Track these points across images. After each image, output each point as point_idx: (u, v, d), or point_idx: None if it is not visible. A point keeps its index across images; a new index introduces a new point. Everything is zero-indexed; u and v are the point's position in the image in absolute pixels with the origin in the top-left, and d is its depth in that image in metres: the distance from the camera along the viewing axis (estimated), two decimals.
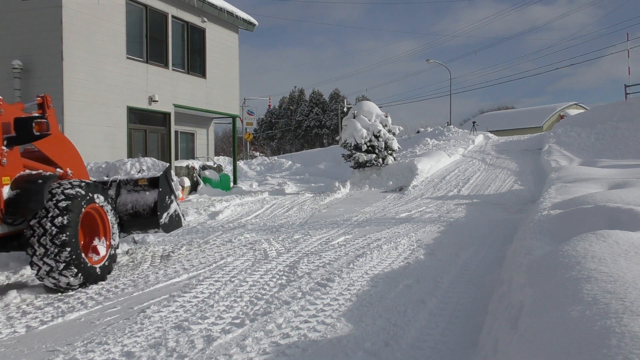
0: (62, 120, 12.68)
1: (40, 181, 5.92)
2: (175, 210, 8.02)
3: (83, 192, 6.20)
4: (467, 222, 10.21)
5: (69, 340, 4.37)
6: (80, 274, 5.91)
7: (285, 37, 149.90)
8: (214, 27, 19.41)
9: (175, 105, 17.43)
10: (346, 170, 20.96)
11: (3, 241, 6.12)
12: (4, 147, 5.78)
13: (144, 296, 5.65)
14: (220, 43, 19.76)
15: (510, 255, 5.62)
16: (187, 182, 16.52)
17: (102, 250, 6.55)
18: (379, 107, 19.90)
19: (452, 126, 31.97)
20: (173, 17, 17.36)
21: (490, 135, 29.92)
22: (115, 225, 6.84)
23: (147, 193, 7.61)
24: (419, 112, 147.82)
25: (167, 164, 8.00)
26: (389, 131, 19.01)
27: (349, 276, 6.07)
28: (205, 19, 18.83)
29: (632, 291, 2.55)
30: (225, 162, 30.15)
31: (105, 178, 7.75)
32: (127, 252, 8.18)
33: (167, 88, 16.98)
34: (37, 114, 6.43)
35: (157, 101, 16.38)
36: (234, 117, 21.30)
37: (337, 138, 20.80)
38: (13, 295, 5.68)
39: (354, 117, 18.96)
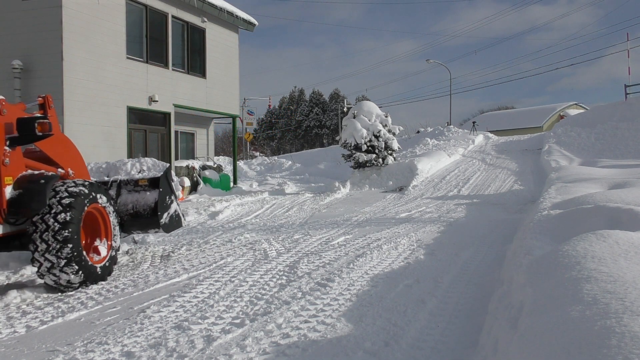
0: (62, 120, 12.67)
1: (42, 181, 5.94)
2: (176, 211, 8.04)
3: (86, 191, 6.24)
4: (467, 222, 10.21)
5: (69, 340, 4.37)
6: (80, 272, 5.92)
7: (285, 37, 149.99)
8: (214, 27, 19.41)
9: (175, 105, 17.43)
10: (346, 170, 20.96)
11: (5, 241, 6.13)
12: (6, 147, 5.80)
13: (144, 296, 5.65)
14: (220, 43, 19.76)
15: (510, 255, 5.62)
16: (187, 182, 16.53)
17: (103, 250, 6.56)
18: (379, 107, 19.90)
19: (452, 126, 31.97)
20: (173, 17, 17.36)
21: (490, 135, 29.92)
22: (117, 227, 6.88)
23: (148, 193, 7.64)
24: (419, 112, 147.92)
25: (168, 164, 8.03)
26: (389, 131, 19.01)
27: (349, 276, 6.07)
28: (205, 19, 18.83)
29: (632, 291, 2.55)
30: (225, 162, 30.16)
31: (106, 178, 7.79)
32: (127, 252, 8.18)
33: (167, 88, 16.98)
34: (39, 115, 6.46)
35: (157, 101, 16.38)
36: (234, 117, 21.30)
37: (337, 138, 20.80)
38: (13, 295, 5.68)
39: (354, 117, 18.96)
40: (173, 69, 17.41)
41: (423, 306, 4.94)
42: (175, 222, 8.02)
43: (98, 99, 14.34)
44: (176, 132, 18.48)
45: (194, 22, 18.39)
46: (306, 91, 77.27)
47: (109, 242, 6.70)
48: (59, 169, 6.77)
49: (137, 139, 16.26)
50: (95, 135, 14.12)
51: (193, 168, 17.63)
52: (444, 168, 19.73)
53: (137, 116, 16.15)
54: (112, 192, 7.67)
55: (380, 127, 18.61)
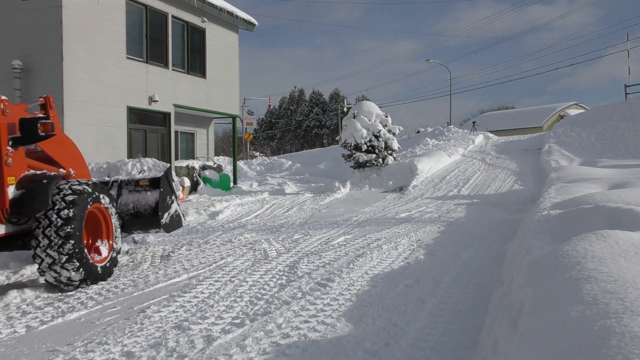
0: (62, 120, 12.67)
1: (45, 181, 5.98)
2: (176, 211, 8.08)
3: (90, 190, 6.32)
4: (467, 222, 10.21)
5: (69, 340, 4.37)
6: (81, 269, 5.94)
7: (285, 37, 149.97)
8: (214, 27, 19.41)
9: (175, 105, 17.43)
10: (346, 170, 20.96)
11: (7, 240, 6.17)
12: (9, 148, 5.83)
13: (144, 296, 5.65)
14: (220, 43, 19.76)
15: (510, 255, 5.62)
16: (187, 182, 16.53)
17: (105, 251, 6.59)
18: (379, 107, 19.90)
19: (452, 126, 31.97)
20: (173, 17, 17.36)
21: (490, 135, 29.93)
22: (119, 230, 6.93)
23: (149, 193, 7.69)
24: (419, 112, 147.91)
25: (168, 165, 8.08)
26: (389, 131, 19.01)
27: (349, 276, 6.07)
28: (205, 19, 18.83)
29: (632, 291, 2.55)
30: (225, 162, 30.16)
31: (107, 178, 7.83)
32: (127, 252, 8.19)
33: (167, 88, 16.98)
34: (42, 115, 6.49)
35: (157, 101, 16.38)
36: (234, 117, 21.30)
37: (337, 138, 20.80)
38: (13, 295, 5.68)
39: (354, 117, 18.96)
40: (173, 69, 17.41)
41: (423, 306, 4.94)
42: (176, 222, 8.06)
43: (98, 99, 14.34)
44: (176, 132, 18.48)
45: (194, 22, 18.39)
46: (306, 91, 77.38)
47: (110, 243, 6.72)
48: (61, 169, 6.79)
49: (137, 139, 16.26)
50: (95, 135, 14.12)
51: (193, 168, 17.63)
52: (444, 168, 19.73)
53: (137, 116, 16.15)
54: (113, 192, 7.70)
55: (380, 127, 18.61)
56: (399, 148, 19.59)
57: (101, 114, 14.45)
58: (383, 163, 18.59)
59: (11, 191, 5.81)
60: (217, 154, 35.40)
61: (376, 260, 6.95)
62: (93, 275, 6.15)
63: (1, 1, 13.90)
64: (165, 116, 17.21)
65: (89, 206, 6.25)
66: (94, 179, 7.54)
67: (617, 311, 2.33)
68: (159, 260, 7.53)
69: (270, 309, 4.95)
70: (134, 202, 7.66)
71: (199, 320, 4.70)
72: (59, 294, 5.92)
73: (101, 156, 13.09)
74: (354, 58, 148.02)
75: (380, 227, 9.86)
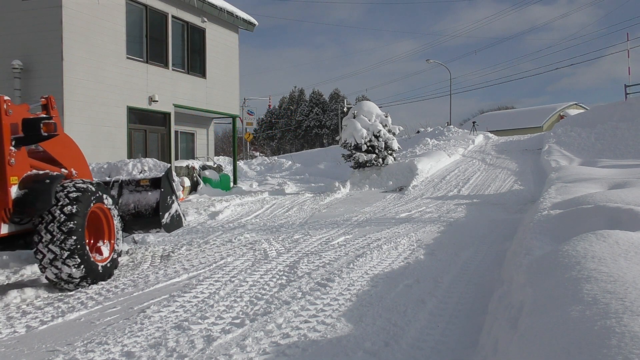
0: (62, 120, 12.67)
1: (47, 181, 6.03)
2: (177, 210, 8.11)
3: (94, 189, 6.41)
4: (467, 222, 10.21)
5: (69, 340, 4.37)
6: (82, 266, 5.96)
7: (285, 37, 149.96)
8: (214, 27, 19.41)
9: (175, 105, 17.43)
10: (346, 170, 20.96)
11: (10, 240, 6.20)
12: (12, 148, 5.87)
13: (144, 296, 5.65)
14: (220, 43, 19.76)
15: (510, 255, 5.62)
16: (187, 182, 16.53)
17: (106, 252, 6.62)
18: (379, 107, 19.90)
19: (452, 126, 31.97)
20: (173, 17, 17.36)
21: (490, 135, 29.93)
22: (120, 232, 6.97)
23: (149, 193, 7.74)
24: (419, 112, 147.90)
25: (169, 165, 8.13)
26: (389, 131, 19.01)
27: (349, 276, 6.07)
28: (205, 19, 18.83)
29: (632, 291, 2.55)
30: (225, 162, 30.16)
31: (108, 178, 7.87)
32: (127, 252, 8.19)
33: (167, 88, 16.98)
34: (44, 115, 6.53)
35: (157, 101, 16.38)
36: (234, 117, 21.30)
37: (337, 138, 20.80)
38: (13, 295, 5.68)
39: (354, 117, 18.96)
40: (173, 69, 17.41)
41: (423, 306, 4.94)
42: (176, 222, 8.10)
43: (98, 99, 14.34)
44: (176, 132, 18.48)
45: (194, 22, 18.39)
46: (306, 91, 77.38)
47: (112, 244, 6.75)
48: (63, 169, 6.82)
49: (137, 139, 16.26)
50: (95, 135, 14.12)
51: (193, 168, 17.63)
52: (444, 168, 19.73)
53: (137, 116, 16.15)
54: (114, 192, 7.74)
55: (380, 127, 18.61)
56: (399, 148, 19.58)
57: (101, 114, 14.45)
58: (383, 163, 18.59)
59: (14, 191, 5.85)
60: (217, 154, 35.40)
61: (376, 260, 6.95)
62: (93, 274, 6.15)
63: (1, 1, 13.90)
64: (165, 116, 17.21)
65: (92, 204, 6.31)
66: (95, 179, 7.56)
67: (617, 311, 2.33)
68: (159, 260, 7.53)
69: (270, 309, 4.96)
70: (135, 202, 7.70)
71: (199, 320, 4.70)
72: (59, 294, 5.92)
73: (101, 156, 13.09)
74: (354, 58, 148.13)
75: (380, 227, 9.86)
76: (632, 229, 4.36)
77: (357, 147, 18.52)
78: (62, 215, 5.90)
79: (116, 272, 6.84)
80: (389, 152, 18.82)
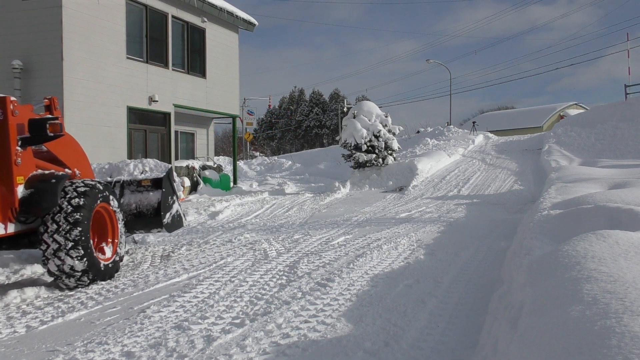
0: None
1: (53, 180, 6.09)
2: (177, 211, 8.17)
3: (101, 188, 6.54)
4: (467, 222, 10.21)
5: (69, 340, 4.37)
6: (85, 259, 5.98)
7: (285, 37, 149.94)
8: (214, 27, 19.41)
9: (175, 105, 17.43)
10: (346, 170, 20.96)
11: (15, 239, 6.26)
12: (18, 148, 5.92)
13: (144, 296, 5.65)
14: (220, 43, 19.76)
15: (510, 255, 5.62)
16: (187, 182, 16.54)
17: (109, 252, 6.68)
18: (379, 107, 19.90)
19: (452, 126, 31.97)
20: (173, 17, 17.36)
21: (490, 135, 29.92)
22: (124, 237, 7.03)
23: (151, 193, 7.81)
24: (419, 112, 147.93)
25: (170, 165, 8.20)
26: (389, 131, 19.01)
27: (349, 276, 6.07)
28: (205, 19, 18.83)
29: (632, 291, 2.55)
30: (225, 162, 30.16)
31: (109, 179, 7.90)
32: (127, 252, 8.19)
33: (167, 88, 16.98)
34: (50, 116, 6.59)
35: (157, 101, 16.38)
36: (234, 117, 21.30)
37: (337, 138, 20.80)
38: (13, 295, 5.68)
39: (354, 117, 18.96)
40: (173, 69, 17.41)
41: (423, 306, 4.94)
42: (177, 222, 8.16)
43: (98, 99, 14.34)
44: (176, 132, 18.48)
45: (194, 22, 18.39)
46: (306, 91, 77.37)
47: (115, 244, 6.79)
48: (66, 169, 6.86)
49: (137, 139, 16.26)
50: (95, 135, 14.12)
51: (193, 168, 17.63)
52: (444, 168, 19.73)
53: (137, 116, 16.15)
54: (116, 192, 7.76)
55: (380, 127, 18.61)
56: (399, 148, 19.59)
57: (101, 114, 14.45)
58: (383, 163, 18.59)
59: (20, 190, 5.91)
60: (217, 154, 35.40)
61: (376, 260, 6.95)
62: (95, 269, 6.16)
63: (1, 1, 13.90)
64: (165, 116, 17.21)
65: (98, 201, 6.41)
66: (97, 180, 7.59)
67: (617, 311, 2.33)
68: (159, 260, 7.53)
69: (270, 309, 4.96)
70: (137, 202, 7.78)
71: (199, 320, 4.70)
72: (59, 293, 5.92)
73: (101, 156, 13.09)
74: (354, 58, 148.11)
75: (380, 227, 9.86)
76: (632, 229, 4.36)
77: (357, 147, 18.52)
78: (69, 206, 6.01)
79: (116, 274, 6.84)
80: (389, 152, 18.82)
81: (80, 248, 5.95)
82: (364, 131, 18.42)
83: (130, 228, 7.74)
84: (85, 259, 5.99)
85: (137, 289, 5.98)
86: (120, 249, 6.86)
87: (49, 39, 13.38)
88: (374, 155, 18.50)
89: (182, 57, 18.02)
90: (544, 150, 20.24)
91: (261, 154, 47.62)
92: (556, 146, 20.27)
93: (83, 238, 5.99)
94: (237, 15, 20.21)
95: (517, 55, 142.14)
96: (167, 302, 5.31)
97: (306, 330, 4.37)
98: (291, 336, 4.24)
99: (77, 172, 7.08)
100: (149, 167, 8.04)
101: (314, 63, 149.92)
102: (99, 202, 6.42)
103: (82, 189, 6.19)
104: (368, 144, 18.46)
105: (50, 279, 6.37)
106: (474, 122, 35.82)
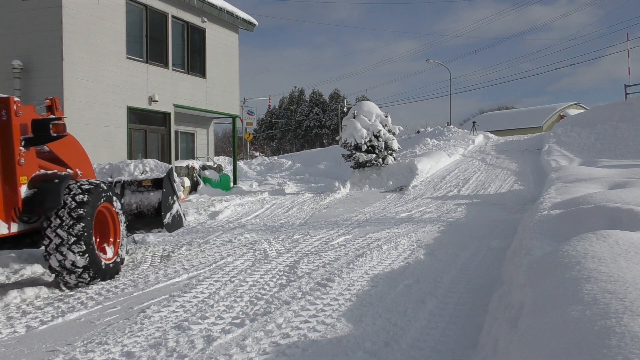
0: None
1: (56, 180, 6.13)
2: (178, 211, 8.20)
3: (105, 187, 6.61)
4: (467, 222, 10.21)
5: (69, 340, 4.37)
6: (86, 255, 6.01)
7: (285, 37, 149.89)
8: (214, 27, 19.41)
9: (175, 105, 17.43)
10: (346, 170, 20.96)
11: (18, 239, 6.30)
12: (21, 148, 5.94)
13: (144, 296, 5.65)
14: (220, 43, 19.76)
15: (510, 255, 5.62)
16: (187, 182, 16.54)
17: (110, 253, 6.71)
18: (379, 107, 19.90)
19: (452, 126, 31.96)
20: (173, 17, 17.36)
21: (490, 135, 29.92)
22: (125, 239, 7.05)
23: (151, 194, 7.85)
24: (419, 112, 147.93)
25: (170, 166, 8.25)
26: (389, 131, 19.01)
27: (349, 276, 6.07)
28: (205, 19, 18.83)
29: (632, 291, 2.55)
30: (225, 162, 30.16)
31: (110, 179, 7.93)
32: (127, 252, 8.19)
33: (167, 88, 16.98)
34: (53, 116, 6.62)
35: (157, 101, 16.38)
36: (234, 117, 21.30)
37: (337, 138, 20.80)
38: (13, 295, 5.68)
39: (354, 117, 18.96)
40: (173, 69, 17.41)
41: (423, 306, 4.94)
42: (177, 222, 8.19)
43: (98, 99, 14.34)
44: (176, 132, 18.48)
45: (194, 22, 18.39)
46: (306, 91, 77.36)
47: (116, 247, 6.82)
48: (68, 169, 6.88)
49: (137, 139, 16.26)
50: (95, 135, 14.11)
51: (193, 168, 17.63)
52: (444, 168, 19.73)
53: (137, 116, 16.15)
54: (118, 192, 7.80)
55: (380, 127, 18.61)
56: (399, 148, 19.58)
57: (101, 114, 14.45)
58: (383, 163, 18.59)
59: (23, 190, 5.94)
60: (217, 154, 35.40)
61: (376, 260, 6.95)
62: (96, 267, 6.17)
63: (1, 1, 13.90)
64: (165, 116, 17.21)
65: (102, 200, 6.47)
66: (101, 180, 7.63)
67: (617, 311, 2.33)
68: (159, 260, 7.53)
69: (270, 309, 4.96)
70: (137, 203, 7.82)
71: (199, 320, 4.70)
72: (59, 293, 5.92)
73: (101, 156, 13.08)
74: (354, 58, 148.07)
75: (380, 227, 9.86)
76: (632, 229, 4.36)
77: (357, 147, 18.52)
78: (73, 202, 6.06)
79: (116, 275, 6.85)
80: (389, 152, 18.82)
81: (82, 243, 5.99)
82: (364, 131, 18.42)
83: (131, 228, 7.77)
84: (86, 254, 6.02)
85: (137, 289, 5.98)
86: (122, 251, 6.88)
87: (49, 39, 13.38)
88: (374, 155, 18.50)
89: (182, 57, 18.02)
90: (544, 150, 20.24)
91: (261, 154, 47.62)
92: (556, 146, 20.27)
93: (85, 234, 6.03)
94: (237, 15, 20.21)
95: (517, 55, 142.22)
96: (167, 302, 5.31)
97: (306, 330, 4.37)
98: (291, 336, 4.24)
99: (79, 172, 7.12)
100: (150, 168, 8.07)
101: (314, 63, 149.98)
102: (102, 201, 6.47)
103: (87, 187, 6.27)
104: (368, 144, 18.46)
105: (50, 279, 6.38)
106: (474, 122, 35.82)
